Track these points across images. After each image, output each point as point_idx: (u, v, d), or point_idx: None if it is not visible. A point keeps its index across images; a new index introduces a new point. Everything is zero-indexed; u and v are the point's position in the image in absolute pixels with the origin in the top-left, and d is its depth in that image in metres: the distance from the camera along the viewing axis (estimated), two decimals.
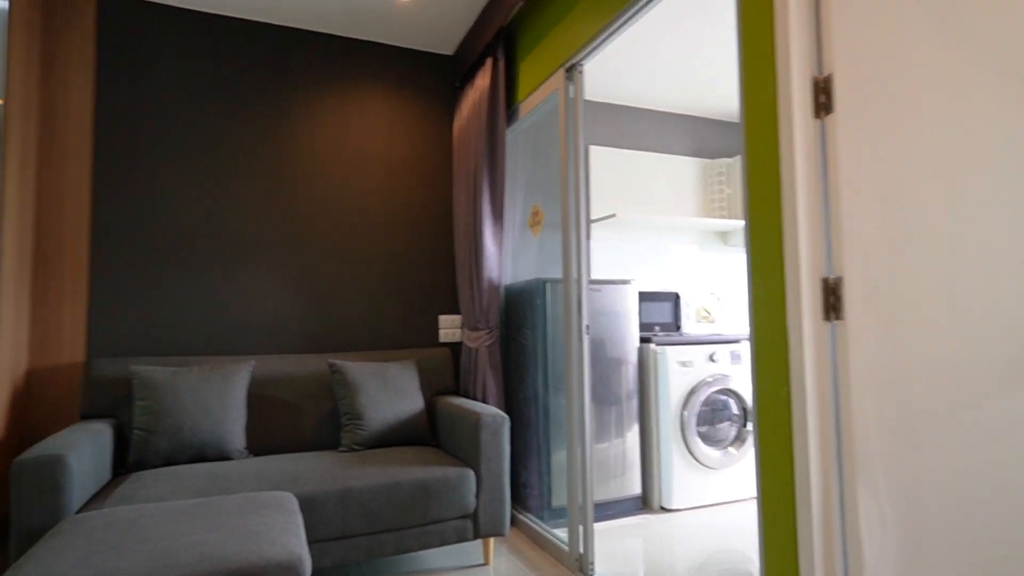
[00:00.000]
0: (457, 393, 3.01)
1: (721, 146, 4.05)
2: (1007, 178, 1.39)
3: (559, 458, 2.70)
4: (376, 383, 2.52)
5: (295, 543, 1.46)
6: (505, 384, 3.01)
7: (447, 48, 3.15)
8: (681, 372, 2.96)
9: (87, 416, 2.25)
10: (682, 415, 2.93)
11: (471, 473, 2.21)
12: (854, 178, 1.30)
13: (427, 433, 2.57)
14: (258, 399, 2.48)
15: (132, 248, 2.50)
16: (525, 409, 2.82)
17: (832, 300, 1.31)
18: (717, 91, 3.57)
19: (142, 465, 2.14)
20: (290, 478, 2.03)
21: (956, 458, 1.29)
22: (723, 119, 4.05)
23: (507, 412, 2.98)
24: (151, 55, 2.59)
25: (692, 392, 2.96)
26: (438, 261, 3.10)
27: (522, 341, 2.87)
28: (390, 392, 2.52)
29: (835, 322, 1.30)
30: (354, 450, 2.40)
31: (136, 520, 1.54)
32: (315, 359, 2.67)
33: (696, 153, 3.96)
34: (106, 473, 2.07)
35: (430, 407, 2.79)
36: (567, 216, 2.34)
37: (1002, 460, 1.33)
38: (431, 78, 3.15)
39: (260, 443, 2.44)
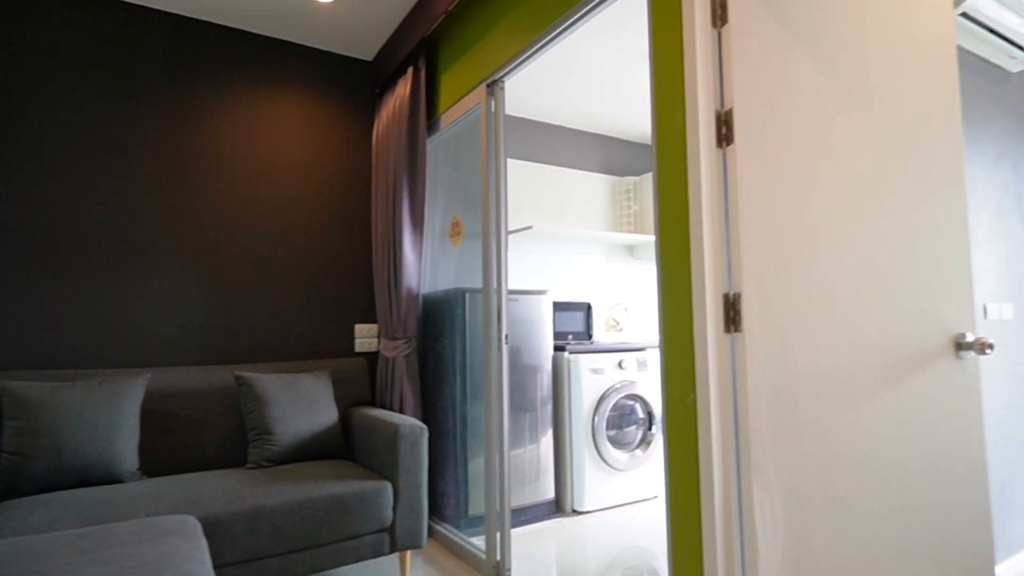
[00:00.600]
0: (373, 404, 2.95)
1: (629, 165, 4.28)
2: (874, 209, 1.60)
3: (477, 466, 2.72)
4: (287, 395, 2.42)
5: (199, 570, 1.38)
6: (423, 394, 2.99)
7: (367, 53, 3.10)
8: (592, 379, 3.08)
9: None
10: (593, 420, 3.06)
11: (388, 486, 2.18)
12: (751, 203, 1.45)
13: (342, 446, 2.50)
14: (155, 415, 2.30)
15: (8, 249, 2.24)
16: (443, 418, 2.82)
17: (732, 314, 1.44)
18: (626, 114, 3.78)
19: (13, 493, 1.91)
20: (192, 499, 1.90)
21: (834, 454, 1.46)
22: (631, 139, 4.29)
23: (425, 422, 2.96)
24: (33, 35, 2.35)
25: (602, 398, 3.09)
26: (356, 269, 3.03)
27: (440, 350, 2.87)
28: (302, 404, 2.43)
29: (734, 334, 1.43)
30: (263, 467, 2.29)
31: (5, 558, 1.38)
32: (220, 371, 2.51)
33: (606, 170, 4.16)
34: None
35: (345, 419, 2.71)
36: (487, 228, 2.38)
37: (871, 454, 1.52)
38: (350, 82, 3.09)
39: (157, 463, 2.26)
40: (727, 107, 1.49)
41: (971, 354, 1.68)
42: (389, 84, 2.99)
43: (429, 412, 2.93)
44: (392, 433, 2.24)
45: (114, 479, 2.06)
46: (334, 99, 3.04)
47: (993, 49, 2.37)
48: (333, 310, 2.95)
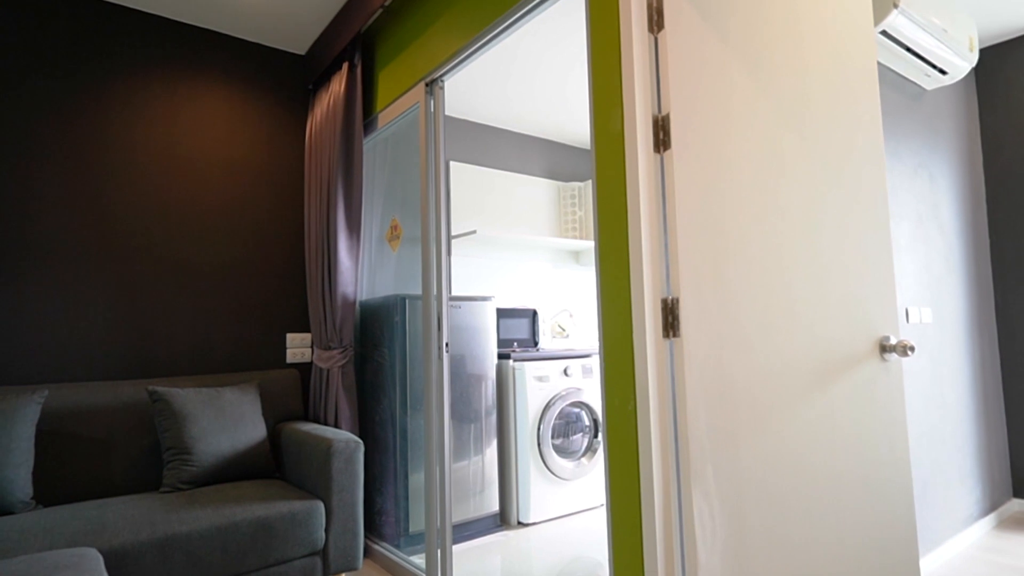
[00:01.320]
0: (306, 418, 2.80)
1: (574, 170, 4.29)
2: (804, 208, 1.62)
3: (417, 481, 2.62)
4: (208, 411, 2.25)
5: None
6: (360, 406, 2.86)
7: (299, 47, 2.96)
8: (537, 387, 3.04)
9: None
10: (538, 429, 3.01)
11: (320, 505, 2.05)
12: (687, 208, 1.43)
13: (270, 465, 2.35)
14: (53, 437, 2.08)
15: None
16: (381, 432, 2.70)
17: (670, 319, 1.42)
18: (569, 119, 3.78)
19: None
20: (93, 530, 1.72)
21: (770, 456, 1.46)
22: (575, 145, 4.31)
23: (362, 436, 2.83)
24: None
25: (548, 406, 3.05)
26: (288, 275, 2.87)
27: (379, 360, 2.75)
28: (225, 421, 2.26)
29: (673, 339, 1.41)
30: (180, 489, 2.11)
31: None
32: (131, 386, 2.31)
33: (551, 175, 4.15)
34: None
35: (274, 435, 2.55)
36: (427, 231, 2.30)
37: (806, 455, 1.53)
38: (280, 77, 2.94)
39: (56, 491, 2.04)
40: (664, 112, 1.48)
41: (894, 356, 1.73)
42: (323, 80, 2.87)
43: (367, 425, 2.81)
44: (325, 449, 2.11)
45: (3, 510, 1.84)
46: (263, 94, 2.88)
47: (910, 67, 2.50)
48: (262, 318, 2.78)
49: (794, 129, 1.62)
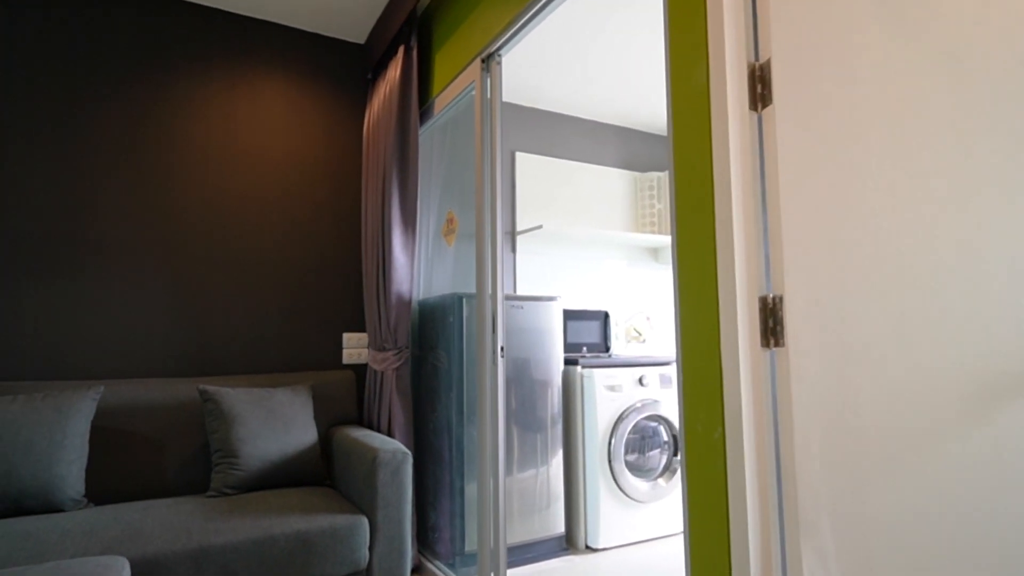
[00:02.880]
0: (360, 423, 2.67)
1: (652, 160, 3.94)
2: (956, 181, 1.24)
3: (474, 496, 2.41)
4: (258, 413, 2.15)
5: None
6: (415, 412, 2.70)
7: (358, 36, 2.85)
8: (609, 397, 2.74)
9: None
10: (609, 444, 2.71)
11: (364, 521, 1.88)
12: (794, 179, 1.11)
13: (320, 472, 2.22)
14: (107, 434, 2.06)
15: None
16: (436, 441, 2.52)
17: (771, 323, 1.10)
18: (649, 102, 3.45)
19: None
20: (130, 535, 1.63)
21: (910, 509, 1.11)
22: (655, 132, 3.96)
23: (416, 444, 2.66)
24: None
25: (621, 419, 2.75)
26: (345, 272, 2.76)
27: (435, 363, 2.57)
28: (275, 423, 2.16)
29: (775, 349, 1.10)
30: (225, 494, 2.02)
31: None
32: (185, 385, 2.26)
33: (627, 166, 3.83)
34: None
35: (326, 440, 2.43)
36: (482, 223, 2.08)
37: (960, 505, 1.16)
38: (339, 68, 2.84)
39: (108, 489, 2.01)
40: (763, 58, 1.16)
41: None
42: (381, 68, 2.73)
43: (422, 433, 2.63)
44: (370, 460, 1.94)
45: (53, 507, 1.81)
46: (322, 86, 2.79)
47: None
48: (319, 317, 2.68)
49: (949, 81, 1.24)
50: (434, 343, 2.59)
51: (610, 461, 2.70)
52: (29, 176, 2.18)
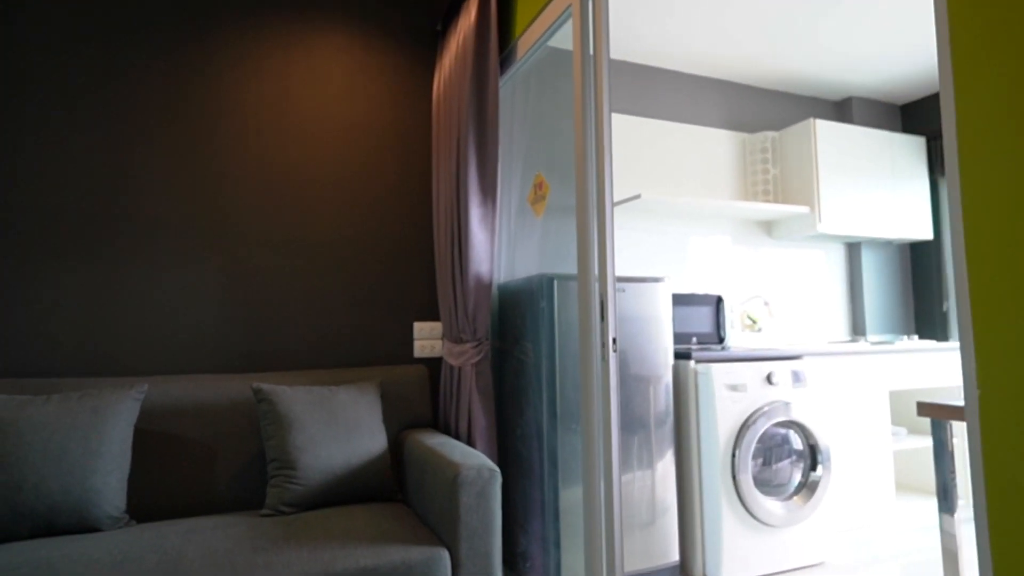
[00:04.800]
0: (435, 427, 2.33)
1: (764, 118, 3.36)
2: None
3: (573, 519, 2.00)
4: (319, 416, 1.83)
5: None
6: (499, 415, 2.32)
7: None
8: (731, 398, 2.25)
9: None
10: (733, 456, 2.22)
11: (444, 555, 1.51)
12: None
13: (390, 484, 1.88)
14: (151, 439, 1.80)
15: None
16: (525, 451, 2.12)
17: None
18: (757, 53, 2.89)
19: None
20: (167, 569, 1.33)
21: None
22: (766, 86, 3.37)
23: (500, 455, 2.28)
24: None
25: (746, 425, 2.25)
26: (415, 254, 2.41)
27: (520, 357, 2.18)
28: (337, 428, 1.83)
29: None
30: (282, 513, 1.71)
31: None
32: (239, 382, 1.98)
33: (734, 126, 3.27)
34: None
35: (397, 446, 2.09)
36: (584, 185, 1.65)
37: None
38: (405, 22, 2.48)
39: (150, 503, 1.75)
40: None
41: None
42: (452, 18, 2.35)
43: (507, 441, 2.24)
44: (450, 478, 1.57)
45: (89, 526, 1.55)
46: (386, 43, 2.44)
47: None
48: (386, 305, 2.35)
49: None
50: (519, 334, 2.19)
51: (734, 476, 2.21)
52: (66, 148, 1.95)
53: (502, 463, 2.26)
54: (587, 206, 1.67)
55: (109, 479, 1.59)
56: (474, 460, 1.61)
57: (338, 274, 2.28)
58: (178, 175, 2.07)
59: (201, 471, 1.81)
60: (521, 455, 2.14)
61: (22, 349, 1.84)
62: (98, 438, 1.61)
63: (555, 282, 2.06)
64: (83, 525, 1.54)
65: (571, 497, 2.02)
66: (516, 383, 2.20)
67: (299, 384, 2.03)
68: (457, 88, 2.18)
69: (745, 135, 3.28)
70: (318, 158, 2.28)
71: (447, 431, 2.19)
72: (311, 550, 1.44)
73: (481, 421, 2.03)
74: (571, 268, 2.26)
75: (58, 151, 1.93)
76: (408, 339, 2.37)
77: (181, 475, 1.78)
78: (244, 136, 2.18)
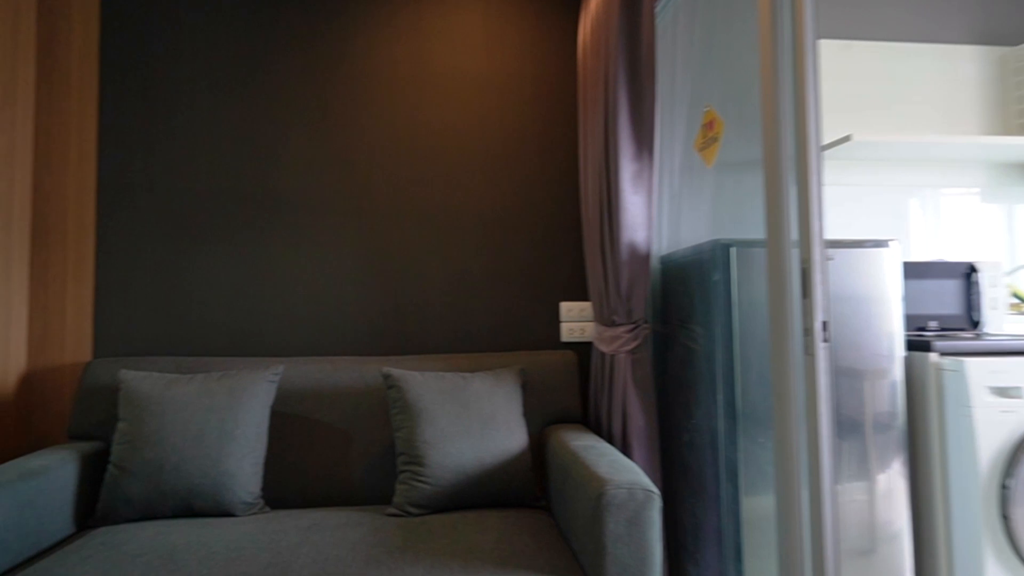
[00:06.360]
0: (584, 423, 2.01)
1: None
2: None
3: (760, 546, 1.55)
4: (449, 407, 1.62)
5: None
6: (661, 414, 1.92)
7: None
8: (998, 406, 1.59)
9: (76, 436, 1.69)
10: (1004, 486, 1.57)
11: None
12: None
13: (531, 488, 1.61)
14: (287, 421, 1.73)
15: (146, 214, 1.91)
16: (695, 462, 1.71)
17: None
18: None
19: (110, 518, 1.49)
20: (276, 572, 1.21)
21: None
22: None
23: (663, 465, 1.89)
24: None
25: (1022, 446, 1.58)
26: (561, 225, 2.11)
27: (688, 344, 1.76)
28: (470, 421, 1.61)
29: None
30: (408, 513, 1.53)
31: None
32: (376, 364, 1.85)
33: (986, 38, 2.42)
34: (62, 527, 1.45)
35: (539, 444, 1.82)
36: (776, 125, 1.20)
37: None
38: None
39: (284, 488, 1.68)
40: None
41: None
42: None
43: (671, 446, 1.85)
44: (593, 496, 1.24)
45: (224, 510, 1.51)
46: None
47: None
48: (528, 280, 2.07)
49: None
50: (686, 315, 1.77)
51: (1004, 512, 1.57)
52: (213, 132, 1.96)
53: (666, 476, 1.87)
54: (779, 149, 1.21)
55: (243, 463, 1.54)
56: (625, 476, 1.26)
57: (476, 248, 2.06)
58: (315, 152, 2.00)
59: (335, 458, 1.71)
60: (690, 468, 1.73)
61: (178, 328, 1.90)
62: (233, 420, 1.56)
63: (733, 250, 1.61)
64: (219, 509, 1.50)
65: (758, 521, 1.57)
66: (683, 376, 1.79)
67: (432, 369, 1.85)
68: (604, 20, 1.81)
69: (1005, 49, 2.41)
70: (454, 122, 2.07)
71: (598, 430, 1.86)
72: (427, 568, 1.22)
73: (638, 421, 1.67)
74: (754, 232, 1.77)
75: (206, 135, 1.96)
76: (554, 321, 2.08)
77: (315, 461, 1.70)
78: (376, 99, 2.04)
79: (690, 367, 1.75)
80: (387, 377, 1.69)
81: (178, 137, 1.94)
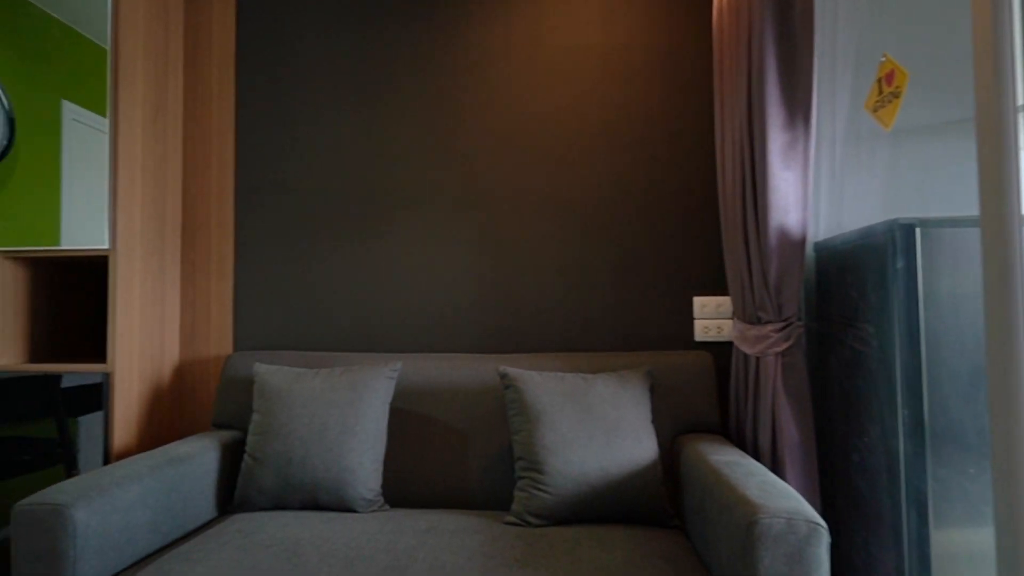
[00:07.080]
0: (724, 433, 1.78)
1: None
2: None
3: None
4: (570, 411, 1.49)
5: None
6: (820, 429, 1.64)
7: None
8: None
9: (219, 425, 1.79)
10: None
11: None
12: None
13: (662, 504, 1.44)
14: (406, 419, 1.71)
15: (276, 214, 1.99)
16: (866, 484, 1.43)
17: None
18: None
19: (246, 505, 1.55)
20: (394, 575, 1.16)
21: None
22: None
23: (825, 490, 1.61)
24: None
25: None
26: (693, 211, 1.89)
27: (855, 346, 1.47)
28: (592, 427, 1.47)
29: None
30: (527, 523, 1.42)
31: None
32: (493, 363, 1.77)
33: None
34: (204, 511, 1.53)
35: (671, 455, 1.63)
36: (992, 55, 0.93)
37: None
38: None
39: (403, 486, 1.65)
40: None
41: None
42: None
43: (835, 467, 1.57)
44: (743, 525, 1.05)
45: (345, 506, 1.51)
46: None
47: None
48: (656, 273, 1.88)
49: None
50: (852, 311, 1.49)
51: None
52: (333, 132, 2.00)
53: (828, 503, 1.59)
54: (1002, 97, 0.93)
55: (363, 459, 1.53)
56: (782, 502, 1.05)
57: (597, 238, 1.91)
58: (430, 146, 1.97)
59: (452, 458, 1.65)
60: (860, 493, 1.45)
61: (305, 322, 1.96)
62: (354, 415, 1.56)
63: (917, 231, 1.31)
64: (341, 504, 1.51)
65: (952, 558, 1.26)
66: (848, 384, 1.51)
67: (551, 369, 1.73)
68: None
69: None
70: (572, 102, 1.93)
71: (740, 444, 1.63)
72: None
73: (792, 436, 1.42)
74: (944, 208, 1.44)
75: (329, 138, 2.00)
76: (687, 317, 1.86)
77: (433, 460, 1.66)
78: (490, 82, 1.96)
79: (859, 374, 1.46)
80: (504, 376, 1.59)
81: (301, 140, 1.99)
